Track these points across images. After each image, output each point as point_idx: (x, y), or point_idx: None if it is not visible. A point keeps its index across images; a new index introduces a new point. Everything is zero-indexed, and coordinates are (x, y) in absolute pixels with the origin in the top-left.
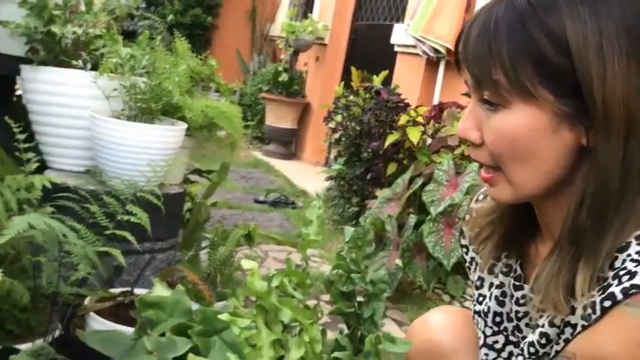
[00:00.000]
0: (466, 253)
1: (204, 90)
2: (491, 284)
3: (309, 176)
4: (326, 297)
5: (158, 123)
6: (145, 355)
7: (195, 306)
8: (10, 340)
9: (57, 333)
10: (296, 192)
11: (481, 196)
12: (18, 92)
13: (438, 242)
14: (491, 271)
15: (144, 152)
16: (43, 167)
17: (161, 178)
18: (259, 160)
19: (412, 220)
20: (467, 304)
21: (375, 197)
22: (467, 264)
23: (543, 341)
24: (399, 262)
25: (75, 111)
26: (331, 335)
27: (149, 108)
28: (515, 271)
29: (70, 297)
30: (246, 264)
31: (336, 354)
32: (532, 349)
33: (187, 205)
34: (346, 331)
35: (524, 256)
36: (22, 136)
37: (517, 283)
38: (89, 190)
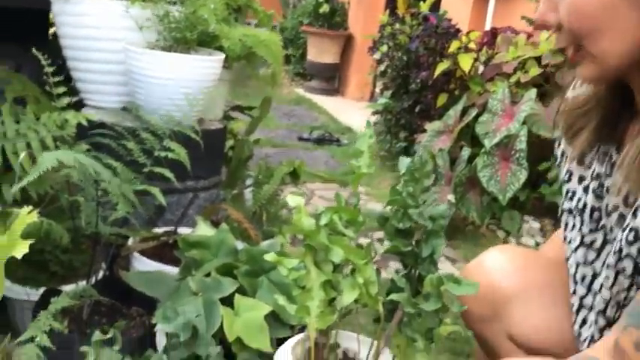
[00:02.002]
0: (557, 147)
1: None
2: (581, 178)
3: (354, 112)
4: (377, 235)
5: (194, 53)
6: (190, 296)
7: (240, 245)
8: (55, 282)
9: (101, 274)
10: (340, 129)
11: (578, 84)
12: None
13: (492, 176)
14: (580, 162)
15: (180, 85)
16: (80, 106)
17: (199, 112)
18: (302, 97)
19: (465, 153)
20: (523, 240)
21: (425, 131)
22: (557, 160)
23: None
24: (451, 197)
25: (107, 44)
26: (383, 276)
27: (184, 38)
28: (611, 157)
29: (113, 237)
30: (292, 200)
31: (393, 296)
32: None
33: (229, 142)
34: (402, 271)
35: (622, 143)
36: (50, 69)
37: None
38: (126, 126)
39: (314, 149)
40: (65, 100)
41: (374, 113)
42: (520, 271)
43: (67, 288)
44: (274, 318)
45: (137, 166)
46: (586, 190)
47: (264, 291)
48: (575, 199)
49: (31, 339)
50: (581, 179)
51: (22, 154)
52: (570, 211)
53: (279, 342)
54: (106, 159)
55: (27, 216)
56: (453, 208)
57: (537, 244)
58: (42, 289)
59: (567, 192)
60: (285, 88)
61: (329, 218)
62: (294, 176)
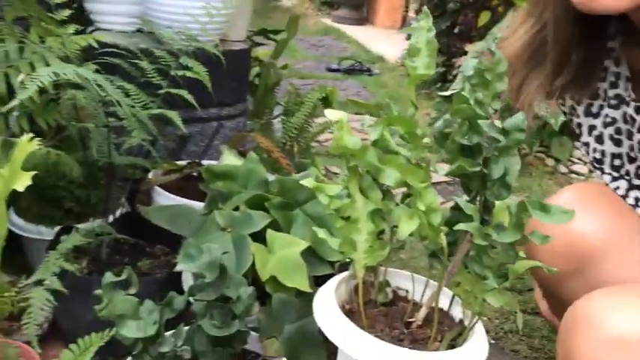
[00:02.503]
0: (563, 105)
1: None
2: (591, 127)
3: (385, 40)
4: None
5: None
6: (218, 232)
7: (271, 177)
8: (71, 220)
9: (122, 211)
10: (372, 58)
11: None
12: None
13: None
14: (588, 113)
15: None
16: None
17: (221, 30)
18: (329, 27)
19: None
20: (575, 168)
21: (465, 53)
22: (567, 117)
23: None
24: (497, 122)
25: None
26: None
27: None
28: (630, 95)
29: (130, 170)
30: (332, 114)
31: (461, 226)
32: None
33: (255, 70)
34: (464, 197)
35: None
36: None
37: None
38: (140, 47)
39: (344, 79)
40: (71, 23)
41: (408, 38)
42: (605, 216)
43: (83, 226)
44: (312, 254)
45: (153, 88)
46: (599, 139)
47: (299, 225)
48: (590, 150)
49: (40, 281)
50: (591, 129)
51: (21, 76)
52: (595, 161)
53: (317, 281)
54: (118, 81)
55: (27, 144)
56: None
57: (590, 172)
58: (57, 228)
59: (583, 145)
60: (312, 19)
61: (379, 133)
62: (327, 103)
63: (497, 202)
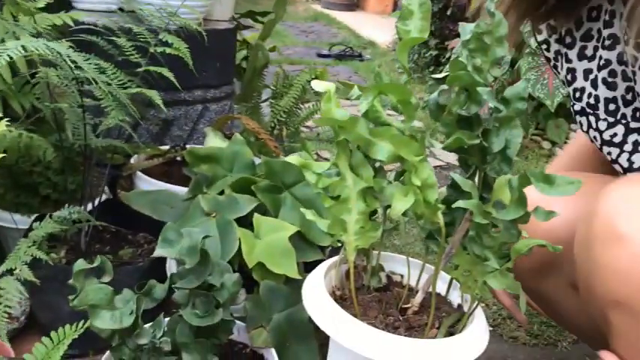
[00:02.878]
0: (548, 50)
1: None
2: (587, 72)
3: (376, 26)
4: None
5: None
6: (202, 217)
7: (258, 160)
8: (49, 207)
9: (103, 198)
10: (363, 43)
11: None
12: None
13: (539, 79)
14: (582, 56)
15: None
16: (69, 8)
17: (203, 8)
18: (319, 13)
19: (507, 55)
20: None
21: (459, 35)
22: (552, 64)
23: None
24: (492, 104)
25: None
26: None
27: None
28: (626, 34)
29: (111, 155)
30: (318, 85)
31: (460, 203)
32: None
33: (243, 53)
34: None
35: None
36: None
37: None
38: (119, 26)
39: (335, 65)
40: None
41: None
42: (575, 205)
43: (60, 213)
44: (301, 239)
45: (132, 67)
46: (594, 83)
47: (287, 209)
48: (585, 96)
49: (10, 271)
50: (587, 74)
51: None
52: (583, 112)
53: (307, 267)
54: (94, 60)
55: None
56: None
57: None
58: (34, 217)
59: (575, 92)
60: (301, 5)
61: (370, 103)
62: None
63: (497, 178)
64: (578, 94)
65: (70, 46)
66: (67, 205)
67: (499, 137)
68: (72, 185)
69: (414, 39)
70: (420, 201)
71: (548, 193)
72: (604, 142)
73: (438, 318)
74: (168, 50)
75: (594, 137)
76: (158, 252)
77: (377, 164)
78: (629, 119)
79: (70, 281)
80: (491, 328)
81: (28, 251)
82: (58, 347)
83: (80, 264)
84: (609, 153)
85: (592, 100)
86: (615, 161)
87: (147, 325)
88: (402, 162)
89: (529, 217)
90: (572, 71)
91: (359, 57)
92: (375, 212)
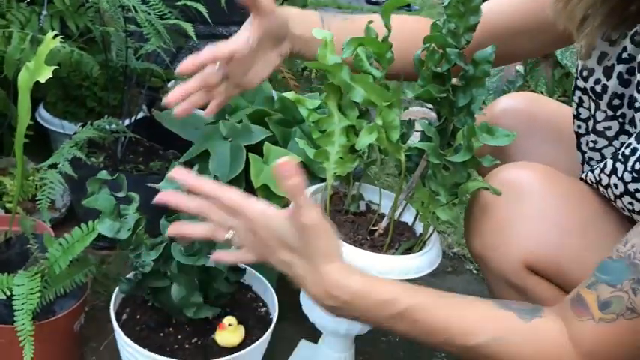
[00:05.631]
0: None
1: None
2: (602, 55)
3: None
4: None
5: None
6: (220, 140)
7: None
8: (93, 118)
9: (141, 115)
10: None
11: None
12: None
13: (567, 47)
14: (607, 37)
15: None
16: None
17: None
18: None
19: None
20: None
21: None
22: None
23: None
24: (519, 67)
25: None
26: None
27: None
28: None
29: (147, 76)
30: (317, 33)
31: (417, 144)
32: None
33: None
34: (435, 123)
35: None
36: None
37: None
38: None
39: None
40: None
41: None
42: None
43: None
44: (304, 169)
45: (172, 0)
46: (608, 72)
47: (295, 142)
48: (592, 79)
49: (54, 165)
50: (602, 57)
51: None
52: (585, 91)
53: None
54: None
55: (51, 41)
56: (521, 80)
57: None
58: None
59: (583, 69)
60: None
61: (352, 51)
62: None
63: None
64: (585, 73)
65: None
66: (108, 117)
67: (465, 94)
68: (114, 101)
69: (398, 0)
70: (382, 138)
71: (489, 142)
72: (593, 131)
73: (399, 241)
74: None
75: (584, 119)
76: (161, 186)
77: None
78: (627, 121)
79: (87, 184)
80: (475, 271)
81: (70, 151)
82: (88, 235)
83: (102, 174)
84: (594, 142)
85: (598, 88)
86: (600, 152)
87: (151, 242)
88: (374, 105)
89: (478, 162)
90: (589, 48)
91: (407, 7)
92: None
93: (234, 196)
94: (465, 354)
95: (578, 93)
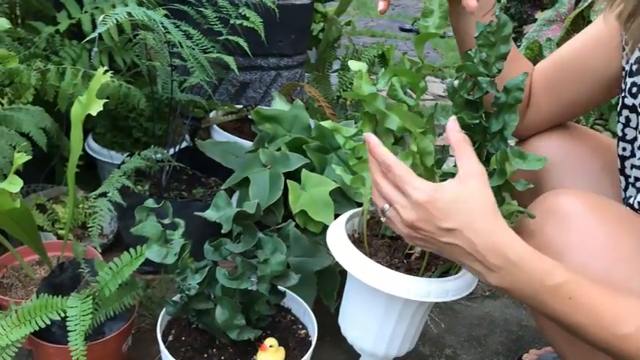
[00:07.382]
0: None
1: None
2: None
3: None
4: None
5: None
6: (260, 168)
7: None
8: (139, 148)
9: (184, 145)
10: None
11: None
12: None
13: None
14: None
15: None
16: None
17: None
18: None
19: None
20: None
21: (535, 21)
22: (623, 41)
23: None
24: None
25: None
26: None
27: None
28: None
29: (191, 108)
30: (354, 65)
31: (451, 169)
32: None
33: (321, 25)
34: None
35: None
36: None
37: None
38: None
39: None
40: None
41: None
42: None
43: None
44: (340, 195)
45: (214, 35)
46: None
47: (332, 168)
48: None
49: (104, 194)
50: None
51: (101, 16)
52: (634, 109)
53: None
54: (184, 26)
55: (102, 76)
56: None
57: None
58: (126, 154)
59: (633, 86)
60: None
61: (387, 81)
62: (383, 60)
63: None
64: (635, 90)
65: (165, 14)
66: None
67: (498, 120)
68: (159, 131)
69: (431, 34)
70: (417, 164)
71: (520, 166)
72: None
73: (435, 265)
74: (245, 23)
75: (634, 138)
76: (206, 214)
77: (399, 135)
78: None
79: (135, 212)
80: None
81: (119, 180)
82: (136, 260)
83: (149, 202)
84: None
85: (638, 102)
86: None
87: (195, 266)
88: (409, 133)
89: (511, 186)
90: (636, 43)
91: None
92: None
93: (403, 172)
94: (607, 344)
95: (625, 112)
